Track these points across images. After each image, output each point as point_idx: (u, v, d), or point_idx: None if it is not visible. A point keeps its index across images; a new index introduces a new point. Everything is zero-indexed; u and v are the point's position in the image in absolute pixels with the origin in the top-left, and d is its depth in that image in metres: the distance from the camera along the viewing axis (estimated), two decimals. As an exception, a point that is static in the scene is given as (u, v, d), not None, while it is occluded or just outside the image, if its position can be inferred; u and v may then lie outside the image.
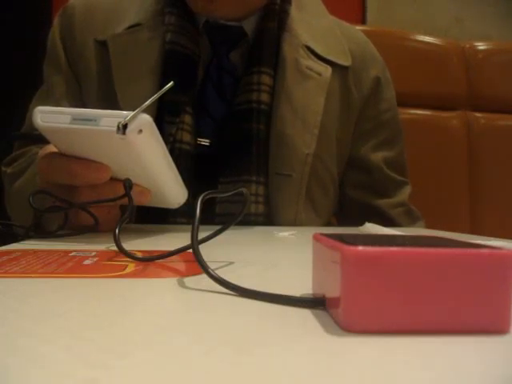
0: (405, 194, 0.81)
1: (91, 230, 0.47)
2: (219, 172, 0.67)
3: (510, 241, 0.49)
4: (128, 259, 0.32)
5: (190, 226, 0.29)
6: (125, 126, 0.39)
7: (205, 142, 0.68)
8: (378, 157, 0.78)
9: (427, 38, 1.18)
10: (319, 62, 0.72)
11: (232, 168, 0.67)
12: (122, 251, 0.33)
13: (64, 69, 0.73)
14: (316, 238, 0.23)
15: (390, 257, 0.18)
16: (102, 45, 0.70)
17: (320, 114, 0.70)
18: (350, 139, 0.77)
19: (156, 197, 0.49)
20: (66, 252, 0.35)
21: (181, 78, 0.67)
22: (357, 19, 1.94)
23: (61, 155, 0.46)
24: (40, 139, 0.47)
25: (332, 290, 0.19)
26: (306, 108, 0.70)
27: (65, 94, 0.72)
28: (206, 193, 0.32)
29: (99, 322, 0.19)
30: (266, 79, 0.69)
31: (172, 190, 0.50)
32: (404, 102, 1.05)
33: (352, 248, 0.18)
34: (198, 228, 0.28)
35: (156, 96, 0.43)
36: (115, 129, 0.39)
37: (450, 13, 2.01)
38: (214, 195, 0.33)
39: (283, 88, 0.69)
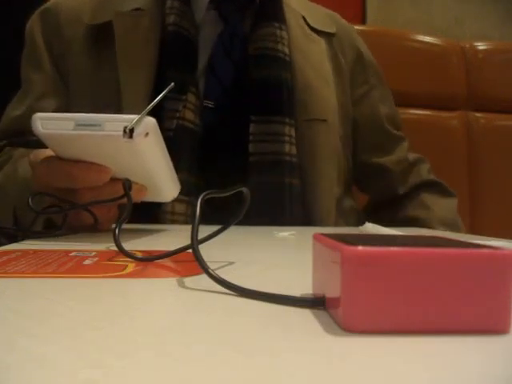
0: (404, 148, 0.85)
1: (91, 229, 0.47)
2: (250, 110, 0.69)
3: (509, 241, 0.49)
4: (128, 259, 0.32)
5: (189, 226, 0.29)
6: (131, 130, 0.39)
7: (209, 103, 0.70)
8: (380, 112, 0.83)
9: (427, 38, 1.18)
10: (313, 33, 0.78)
11: (264, 107, 0.70)
12: (122, 251, 0.33)
13: (46, 68, 0.73)
14: (316, 238, 0.23)
15: (390, 257, 0.18)
16: (98, 28, 0.70)
17: (330, 75, 0.76)
18: (349, 101, 0.81)
19: (152, 193, 0.49)
20: (66, 252, 0.35)
21: (182, 59, 0.70)
22: (357, 19, 1.94)
23: (58, 159, 0.46)
24: (33, 145, 0.47)
25: (332, 290, 0.19)
26: (322, 65, 0.75)
27: (45, 93, 0.73)
28: (206, 193, 0.32)
29: (99, 322, 0.19)
30: (284, 33, 0.74)
31: (167, 185, 0.50)
32: (404, 101, 1.05)
33: (352, 248, 0.18)
34: (197, 228, 0.28)
35: (158, 99, 0.42)
36: (121, 133, 0.39)
37: (450, 13, 2.01)
38: (214, 195, 0.33)
39: (297, 46, 0.74)
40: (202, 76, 0.71)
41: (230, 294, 0.23)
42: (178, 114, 0.66)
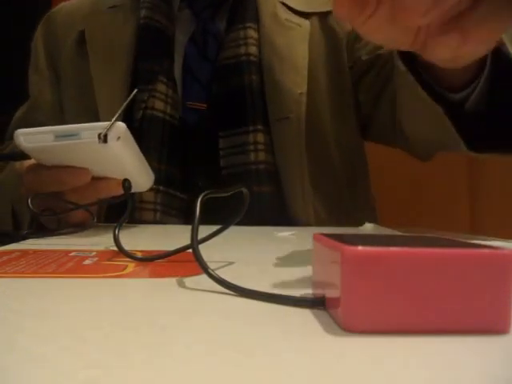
0: None
1: (87, 226, 0.51)
2: (218, 128, 0.69)
3: (509, 241, 0.49)
4: (128, 259, 0.32)
5: (189, 226, 0.29)
6: (105, 136, 0.45)
7: (201, 106, 0.70)
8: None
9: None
10: (297, 16, 0.75)
11: (229, 121, 0.70)
12: (122, 251, 0.33)
13: (43, 69, 0.77)
14: (316, 238, 0.23)
15: (390, 257, 0.18)
16: (81, 35, 0.73)
17: (306, 58, 0.72)
18: (347, 82, 0.76)
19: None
20: (66, 252, 0.35)
21: (155, 50, 0.70)
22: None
23: (44, 166, 0.50)
24: (19, 157, 0.52)
25: (332, 290, 0.19)
26: (292, 53, 0.72)
27: (41, 91, 0.76)
28: (205, 192, 0.32)
29: (99, 322, 0.19)
30: (252, 33, 0.72)
31: (142, 177, 0.54)
32: (404, 101, 1.05)
33: (352, 248, 0.18)
34: (197, 228, 0.28)
35: (124, 104, 0.49)
36: (97, 139, 0.45)
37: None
38: (214, 195, 0.33)
39: (267, 40, 0.72)
40: (179, 76, 0.71)
41: (230, 294, 0.23)
42: (143, 105, 0.67)
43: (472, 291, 0.18)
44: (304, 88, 0.71)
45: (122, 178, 0.51)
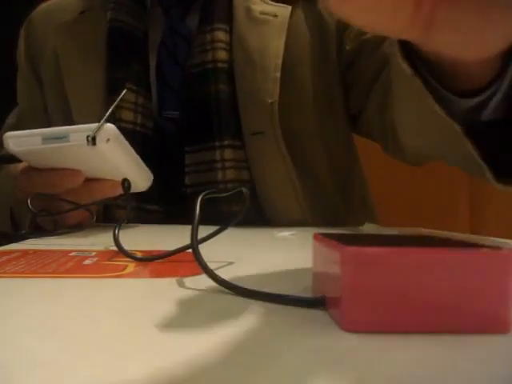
0: None
1: (85, 226, 0.51)
2: (184, 142, 0.64)
3: (509, 241, 0.49)
4: (128, 259, 0.32)
5: (189, 226, 0.29)
6: (94, 138, 0.44)
7: (173, 114, 0.66)
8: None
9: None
10: (274, 3, 0.66)
11: (195, 136, 0.64)
12: (122, 251, 0.33)
13: (26, 75, 0.76)
14: (316, 238, 0.23)
15: (390, 257, 0.18)
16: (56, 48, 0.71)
17: (279, 57, 0.63)
18: (336, 75, 0.68)
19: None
20: (66, 252, 0.35)
21: (122, 54, 0.66)
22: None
23: (35, 169, 0.50)
24: (8, 160, 0.53)
25: (332, 290, 0.19)
26: (262, 53, 0.63)
27: (27, 98, 0.75)
28: (205, 192, 0.32)
29: (99, 322, 0.19)
30: (221, 35, 0.65)
31: (138, 177, 0.53)
32: (404, 101, 1.05)
33: (352, 248, 0.18)
34: (197, 228, 0.28)
35: (113, 106, 0.48)
36: (85, 142, 0.44)
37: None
38: (213, 195, 0.33)
39: (239, 42, 0.65)
40: (154, 80, 0.67)
41: (230, 294, 0.23)
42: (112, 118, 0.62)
43: (472, 291, 0.18)
44: (275, 95, 0.62)
45: (118, 178, 0.50)
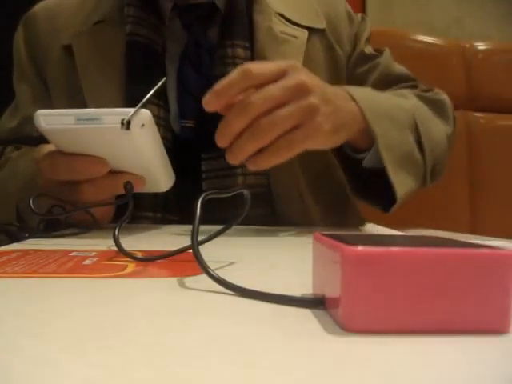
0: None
1: (90, 226, 0.49)
2: (202, 148, 0.66)
3: (509, 241, 0.49)
4: (128, 259, 0.32)
5: (190, 226, 0.29)
6: (128, 122, 0.43)
7: (188, 123, 0.67)
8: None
9: (427, 38, 1.18)
10: (294, 26, 0.72)
11: (213, 142, 0.66)
12: (122, 251, 0.33)
13: (30, 77, 0.74)
14: (316, 238, 0.23)
15: (390, 257, 0.18)
16: (67, 49, 0.70)
17: None
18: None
19: (149, 183, 0.51)
20: (66, 252, 0.35)
21: (143, 68, 0.67)
22: (357, 19, 1.94)
23: (60, 153, 0.48)
24: (33, 142, 0.51)
25: (332, 290, 0.19)
26: None
27: (31, 103, 0.73)
28: (206, 193, 0.32)
29: (99, 322, 0.19)
30: (240, 52, 0.68)
31: (163, 175, 0.52)
32: (404, 101, 1.05)
33: (352, 248, 0.18)
34: (198, 228, 0.28)
35: (150, 93, 0.46)
36: (119, 125, 0.43)
37: (450, 13, 2.01)
38: (214, 196, 0.33)
39: (259, 57, 0.68)
40: (172, 90, 0.68)
41: (230, 294, 0.23)
42: None
43: (472, 291, 0.18)
44: None
45: (142, 172, 0.49)
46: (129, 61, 0.67)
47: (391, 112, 0.62)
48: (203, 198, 0.30)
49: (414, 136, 0.63)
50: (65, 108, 0.68)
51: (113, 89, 0.66)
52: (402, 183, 0.58)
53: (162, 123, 0.66)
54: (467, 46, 1.18)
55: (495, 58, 1.18)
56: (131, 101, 0.64)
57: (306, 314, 0.20)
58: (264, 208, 0.67)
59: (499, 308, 0.18)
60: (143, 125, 0.44)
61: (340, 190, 0.74)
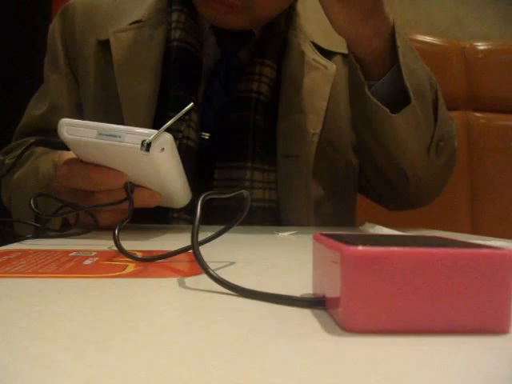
0: None
1: (91, 227, 0.49)
2: (217, 157, 0.68)
3: (510, 241, 0.49)
4: (128, 259, 0.32)
5: (190, 226, 0.29)
6: (149, 144, 0.43)
7: (205, 135, 0.69)
8: None
9: (427, 38, 1.18)
10: (324, 58, 0.74)
11: (228, 153, 0.68)
12: (122, 251, 0.33)
13: (62, 67, 0.75)
14: (316, 238, 0.23)
15: (390, 257, 0.18)
16: (103, 45, 0.71)
17: (326, 100, 0.71)
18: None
19: (164, 199, 0.52)
20: (66, 252, 0.35)
21: (187, 76, 0.69)
22: (357, 19, 1.93)
23: (81, 162, 0.49)
24: (58, 146, 0.50)
25: (332, 290, 0.19)
26: (312, 93, 0.71)
27: (61, 92, 0.74)
28: (207, 193, 0.32)
29: (99, 322, 0.19)
30: (268, 71, 0.70)
31: (179, 193, 0.53)
32: (404, 101, 1.05)
33: (352, 248, 0.18)
34: (198, 228, 0.28)
35: (176, 117, 0.46)
36: (139, 146, 0.43)
37: (450, 13, 2.01)
38: (215, 196, 0.33)
39: (290, 77, 0.71)
40: (199, 101, 0.70)
41: (230, 294, 0.23)
42: (180, 135, 0.65)
43: (472, 291, 0.18)
44: (318, 128, 0.70)
45: (159, 189, 0.50)
46: (170, 64, 0.69)
47: (418, 64, 0.66)
48: (203, 198, 0.30)
49: (432, 93, 0.66)
50: (92, 102, 0.70)
51: (147, 87, 0.67)
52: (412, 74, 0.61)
53: (192, 125, 0.67)
54: (467, 46, 1.18)
55: (495, 58, 1.18)
56: (171, 104, 0.66)
57: (306, 313, 0.20)
58: (271, 222, 0.68)
59: (499, 308, 0.18)
60: (163, 149, 0.44)
61: (341, 204, 0.75)
